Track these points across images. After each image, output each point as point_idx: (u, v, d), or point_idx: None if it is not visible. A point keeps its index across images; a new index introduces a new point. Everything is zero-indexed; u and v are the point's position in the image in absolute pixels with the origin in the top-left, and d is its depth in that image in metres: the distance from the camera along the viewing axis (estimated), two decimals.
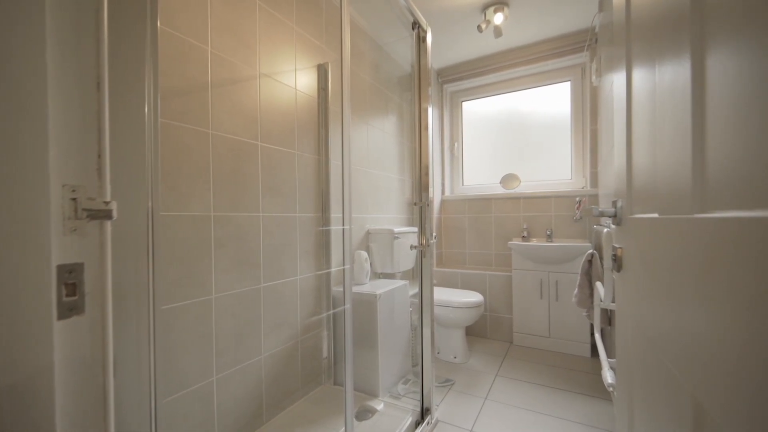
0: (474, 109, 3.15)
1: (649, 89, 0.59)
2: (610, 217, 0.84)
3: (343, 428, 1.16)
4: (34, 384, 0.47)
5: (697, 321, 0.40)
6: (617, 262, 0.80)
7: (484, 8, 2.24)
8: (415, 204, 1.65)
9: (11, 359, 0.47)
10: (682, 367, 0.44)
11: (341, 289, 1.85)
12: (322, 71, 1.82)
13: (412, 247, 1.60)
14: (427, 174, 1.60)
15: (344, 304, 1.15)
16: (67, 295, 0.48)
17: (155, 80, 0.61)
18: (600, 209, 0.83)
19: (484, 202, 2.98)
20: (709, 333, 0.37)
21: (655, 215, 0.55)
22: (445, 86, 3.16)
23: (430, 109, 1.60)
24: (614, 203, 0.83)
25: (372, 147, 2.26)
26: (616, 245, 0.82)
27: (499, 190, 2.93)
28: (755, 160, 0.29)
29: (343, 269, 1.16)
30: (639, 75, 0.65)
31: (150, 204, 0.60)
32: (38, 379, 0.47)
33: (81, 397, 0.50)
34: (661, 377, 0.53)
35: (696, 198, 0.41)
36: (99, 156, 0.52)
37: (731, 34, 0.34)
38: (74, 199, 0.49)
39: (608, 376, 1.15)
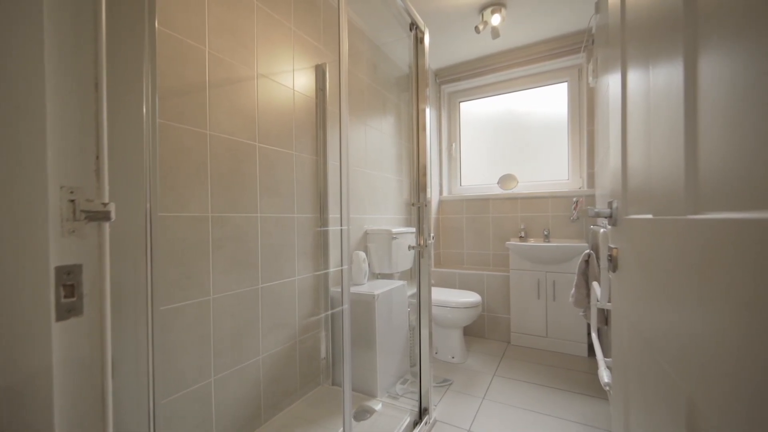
0: (472, 110, 3.16)
1: (643, 91, 0.59)
2: (606, 217, 0.85)
3: (342, 428, 1.16)
4: (32, 385, 0.47)
5: (693, 322, 0.40)
6: (613, 263, 0.81)
7: (482, 9, 2.25)
8: (413, 204, 1.65)
9: (10, 360, 0.47)
10: (678, 367, 0.45)
11: (339, 290, 1.85)
12: (319, 72, 1.82)
13: (410, 247, 1.61)
14: (424, 174, 1.60)
15: (342, 305, 1.15)
16: (65, 297, 0.48)
17: (153, 81, 0.61)
18: (596, 210, 0.83)
19: (481, 202, 2.99)
20: (705, 334, 0.37)
21: (650, 216, 0.56)
22: (442, 87, 3.16)
23: (427, 110, 1.60)
24: (610, 204, 0.83)
25: (370, 147, 2.27)
26: (612, 246, 0.83)
27: (497, 191, 2.94)
28: (747, 162, 0.29)
29: (341, 270, 1.16)
30: (634, 77, 0.66)
31: (148, 205, 0.60)
32: (37, 380, 0.47)
33: (79, 398, 0.50)
34: (657, 377, 0.53)
35: (689, 199, 0.41)
36: (97, 157, 0.52)
37: (723, 38, 0.34)
38: (72, 201, 0.49)
39: (605, 376, 1.16)
